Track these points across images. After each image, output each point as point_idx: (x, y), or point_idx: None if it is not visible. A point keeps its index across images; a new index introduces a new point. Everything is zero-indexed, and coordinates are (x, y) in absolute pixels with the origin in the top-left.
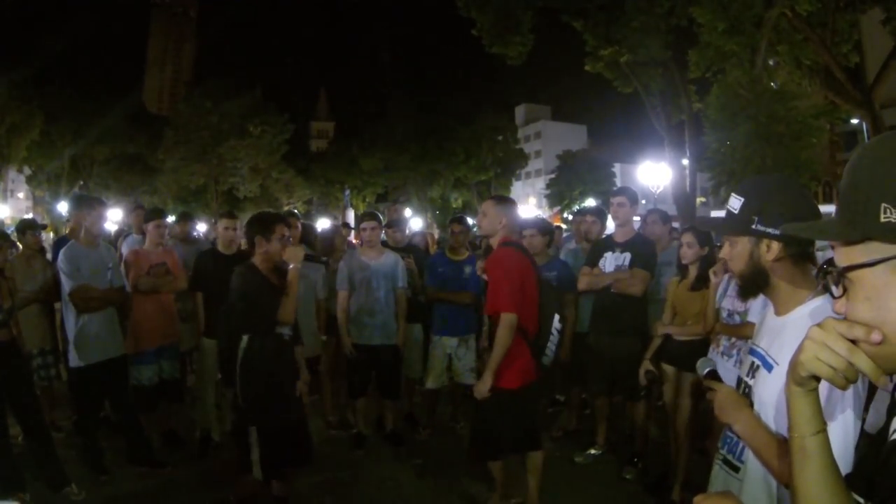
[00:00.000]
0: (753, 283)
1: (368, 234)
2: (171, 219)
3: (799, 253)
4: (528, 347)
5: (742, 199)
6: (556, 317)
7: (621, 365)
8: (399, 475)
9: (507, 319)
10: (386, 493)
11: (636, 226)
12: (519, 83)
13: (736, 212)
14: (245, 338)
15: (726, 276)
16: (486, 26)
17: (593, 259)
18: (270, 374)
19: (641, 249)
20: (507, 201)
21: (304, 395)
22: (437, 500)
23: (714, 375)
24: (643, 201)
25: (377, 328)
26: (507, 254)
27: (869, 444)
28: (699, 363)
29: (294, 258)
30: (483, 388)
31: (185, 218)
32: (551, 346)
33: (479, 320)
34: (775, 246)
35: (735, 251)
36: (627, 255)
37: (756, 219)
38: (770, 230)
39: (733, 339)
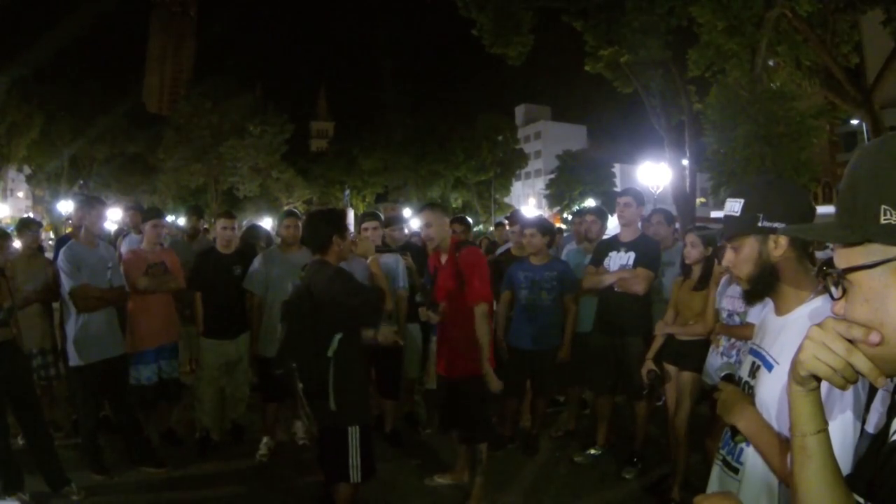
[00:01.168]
0: (763, 283)
1: (370, 234)
2: (169, 218)
3: (802, 250)
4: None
5: (742, 201)
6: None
7: (625, 364)
8: (399, 475)
9: (484, 310)
10: (386, 493)
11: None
12: (519, 83)
13: (738, 213)
14: (337, 337)
15: (725, 277)
16: (487, 26)
17: (598, 258)
18: (362, 372)
19: (645, 249)
20: (442, 207)
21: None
22: (437, 500)
23: (730, 378)
24: None
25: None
26: (474, 251)
27: (869, 444)
28: (719, 366)
29: (369, 251)
30: (494, 382)
31: (195, 213)
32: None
33: None
34: (783, 241)
35: (742, 255)
36: (632, 255)
37: (761, 216)
38: (776, 225)
39: (733, 340)
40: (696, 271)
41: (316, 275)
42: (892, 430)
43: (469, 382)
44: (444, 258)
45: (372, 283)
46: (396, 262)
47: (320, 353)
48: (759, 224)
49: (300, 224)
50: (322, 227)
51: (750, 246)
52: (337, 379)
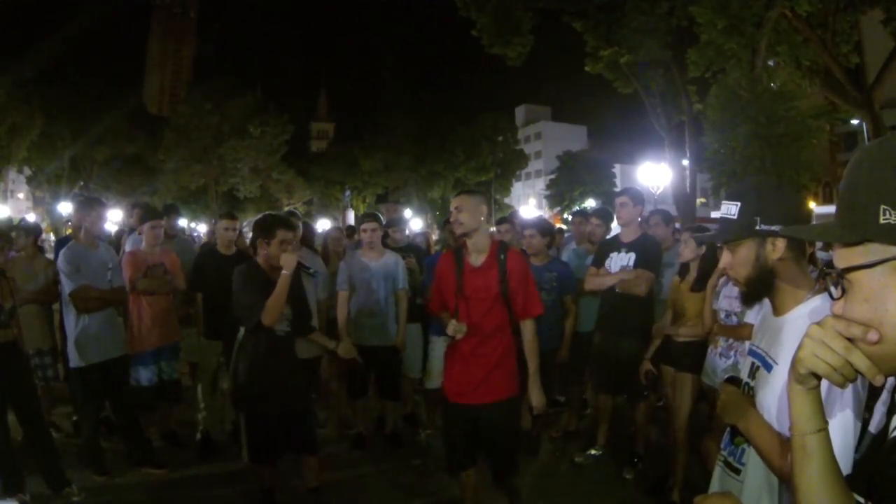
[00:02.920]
0: (761, 284)
1: (369, 235)
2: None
3: (799, 251)
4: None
5: (739, 204)
6: None
7: (626, 365)
8: (399, 475)
9: (535, 326)
10: (386, 493)
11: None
12: (519, 84)
13: (735, 217)
14: (241, 330)
15: (723, 278)
16: (486, 27)
17: (599, 259)
18: (262, 367)
19: (646, 250)
20: (481, 194)
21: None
22: (437, 500)
23: (733, 380)
24: None
25: (377, 329)
26: (520, 257)
27: (870, 444)
28: (724, 368)
29: (288, 265)
30: (542, 402)
31: (171, 211)
32: None
33: None
34: (780, 243)
35: (739, 257)
36: (632, 256)
37: (758, 219)
38: (774, 227)
39: (731, 340)
40: (693, 271)
41: (235, 271)
42: (891, 429)
43: (505, 407)
44: (477, 258)
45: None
46: (396, 263)
47: (232, 342)
48: (757, 227)
49: (300, 225)
50: (253, 230)
51: (747, 248)
52: (234, 367)
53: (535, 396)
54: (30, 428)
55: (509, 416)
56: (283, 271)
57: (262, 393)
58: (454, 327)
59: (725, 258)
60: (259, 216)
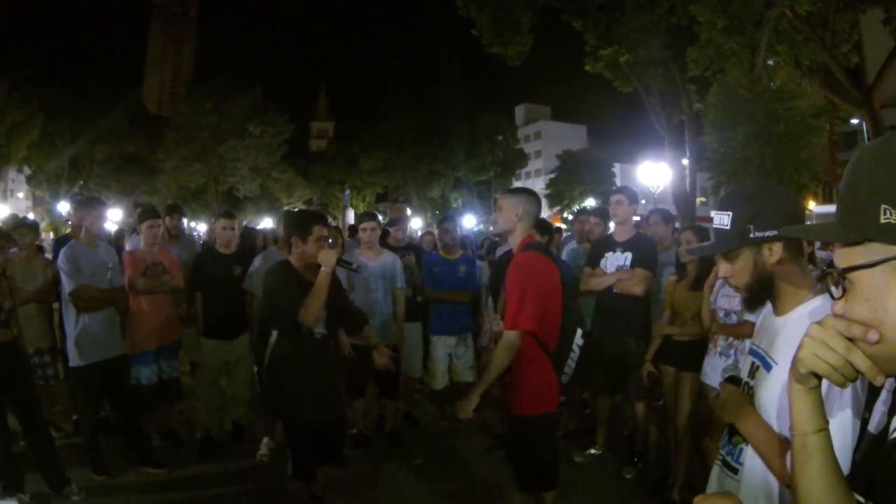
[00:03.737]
0: (762, 290)
1: (368, 234)
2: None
3: (797, 250)
4: (552, 365)
5: (730, 213)
6: (579, 331)
7: (623, 365)
8: (399, 475)
9: (511, 339)
10: (386, 493)
11: (636, 225)
12: (519, 83)
13: (727, 227)
14: (274, 334)
15: (721, 280)
16: (486, 26)
17: (594, 259)
18: (299, 372)
19: (642, 249)
20: (524, 192)
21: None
22: (437, 500)
23: (732, 380)
24: (643, 201)
25: (375, 329)
26: (530, 259)
27: (870, 444)
28: (724, 368)
29: (327, 262)
30: (469, 407)
31: (174, 211)
32: (571, 363)
33: (476, 319)
34: (777, 247)
35: (737, 266)
36: (628, 255)
37: (751, 227)
38: (768, 233)
39: (730, 339)
40: (691, 271)
41: (267, 271)
42: (891, 429)
43: (526, 421)
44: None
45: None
46: (394, 262)
47: (263, 348)
48: (751, 235)
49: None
50: (285, 227)
51: (744, 258)
52: (269, 373)
53: (466, 402)
54: (29, 428)
55: (515, 433)
56: (323, 269)
57: (302, 400)
58: (496, 321)
59: (724, 267)
60: (291, 212)
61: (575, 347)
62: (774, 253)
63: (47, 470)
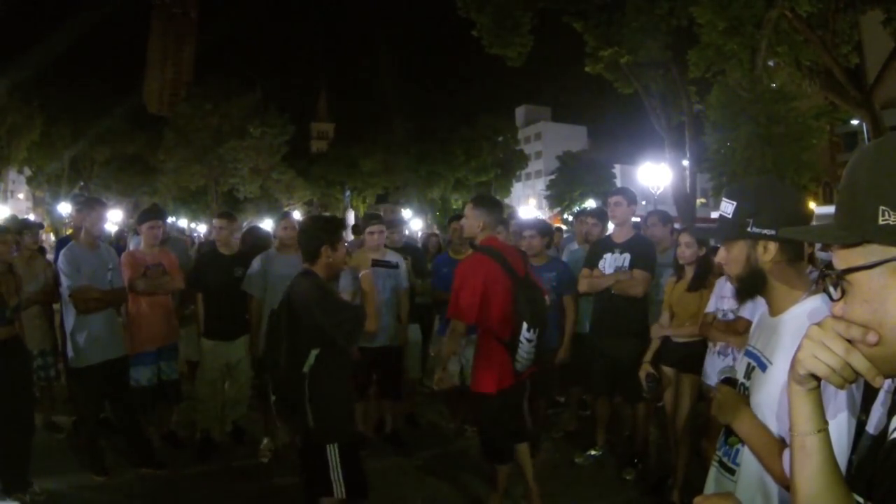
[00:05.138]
0: (751, 285)
1: (377, 238)
2: (171, 219)
3: (794, 253)
4: (507, 353)
5: (734, 203)
6: (525, 325)
7: (622, 366)
8: (399, 475)
9: (453, 326)
10: (386, 493)
11: (635, 226)
12: (519, 84)
13: (730, 216)
14: (313, 353)
15: (722, 278)
16: (486, 27)
17: (592, 260)
18: (344, 389)
19: (641, 250)
20: (486, 202)
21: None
22: (437, 500)
23: (729, 381)
24: (643, 202)
25: (380, 330)
26: (474, 261)
27: (870, 444)
28: (721, 369)
29: (364, 264)
30: (437, 379)
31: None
32: (523, 353)
33: None
34: (772, 247)
35: (732, 255)
36: (627, 256)
37: (750, 221)
38: (766, 231)
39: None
40: (689, 272)
41: (297, 286)
42: (891, 430)
43: (480, 398)
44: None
45: (361, 300)
46: (399, 264)
47: (296, 368)
48: (749, 229)
49: (297, 226)
50: (313, 236)
51: (739, 249)
52: (313, 395)
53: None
54: (17, 426)
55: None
56: (364, 271)
57: (349, 416)
58: None
59: (721, 254)
60: (316, 218)
61: (523, 340)
62: (769, 251)
63: (12, 469)
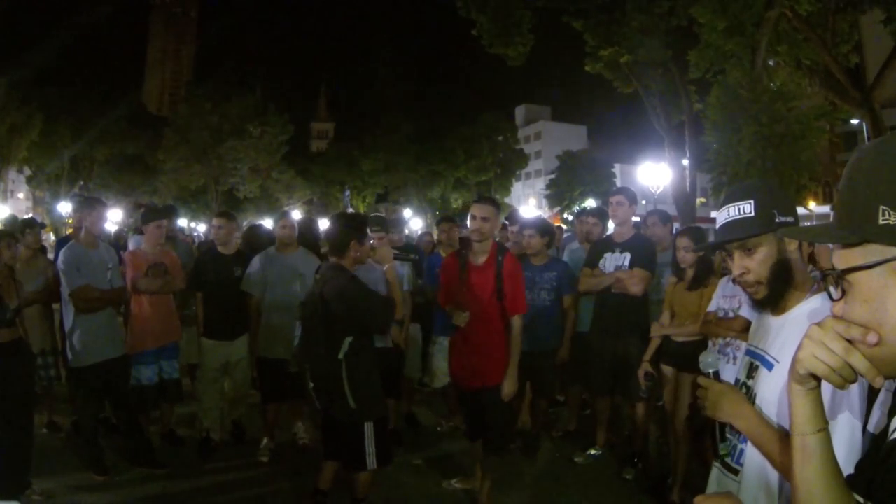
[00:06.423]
0: (784, 280)
1: (378, 243)
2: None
3: (800, 249)
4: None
5: (752, 201)
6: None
7: (622, 365)
8: (399, 475)
9: (518, 322)
10: (386, 493)
11: (635, 226)
12: (519, 83)
13: (752, 214)
14: (347, 340)
15: (724, 278)
16: (486, 26)
17: (593, 260)
18: (373, 371)
19: (641, 249)
20: (497, 204)
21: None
22: (438, 500)
23: (715, 377)
24: (643, 202)
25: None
26: (516, 260)
27: (870, 444)
28: (703, 357)
29: (386, 258)
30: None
31: (171, 213)
32: None
33: None
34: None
35: (757, 257)
36: (627, 256)
37: (776, 212)
38: (789, 219)
39: (728, 339)
40: (690, 272)
41: (329, 279)
42: (891, 430)
43: (497, 391)
44: (481, 259)
45: (387, 291)
46: (401, 265)
47: (332, 355)
48: (777, 220)
49: (296, 225)
50: (342, 231)
51: (768, 245)
52: (351, 379)
53: (508, 384)
54: (13, 428)
55: (499, 399)
56: (387, 265)
57: (381, 395)
58: (461, 317)
59: (744, 263)
60: (345, 215)
61: None
62: (792, 242)
63: (11, 472)
